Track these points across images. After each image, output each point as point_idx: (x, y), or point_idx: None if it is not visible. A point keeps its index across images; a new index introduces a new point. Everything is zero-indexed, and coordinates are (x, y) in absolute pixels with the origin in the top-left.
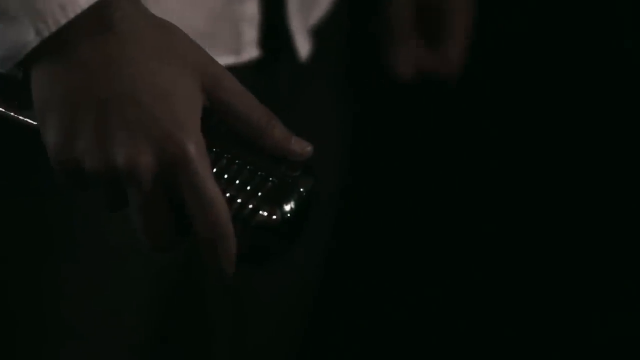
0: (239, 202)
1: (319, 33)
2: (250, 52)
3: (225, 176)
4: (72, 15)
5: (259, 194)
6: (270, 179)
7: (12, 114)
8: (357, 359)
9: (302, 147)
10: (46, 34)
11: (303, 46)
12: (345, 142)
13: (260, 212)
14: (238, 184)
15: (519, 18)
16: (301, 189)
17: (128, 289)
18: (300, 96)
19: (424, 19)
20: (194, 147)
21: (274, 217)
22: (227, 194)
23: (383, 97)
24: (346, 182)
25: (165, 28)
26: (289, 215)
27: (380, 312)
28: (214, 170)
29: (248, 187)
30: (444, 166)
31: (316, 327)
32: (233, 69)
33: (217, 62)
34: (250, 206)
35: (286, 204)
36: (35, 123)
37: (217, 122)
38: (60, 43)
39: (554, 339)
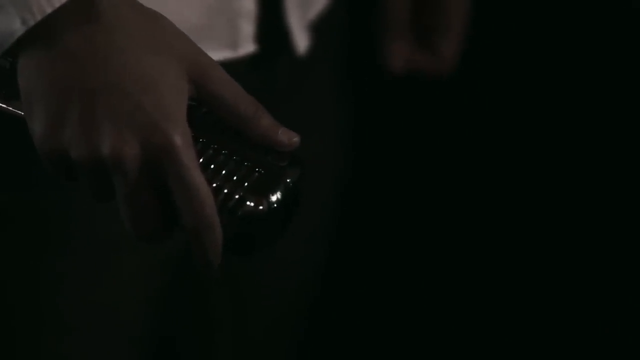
0: (225, 193)
1: (317, 28)
2: (247, 47)
3: (212, 166)
4: (57, 4)
5: (246, 184)
6: (257, 169)
7: None
8: (356, 356)
9: (289, 137)
10: (32, 23)
11: (301, 41)
12: (343, 138)
13: (247, 202)
14: (224, 174)
15: (517, 14)
16: (288, 180)
17: (126, 283)
18: (298, 91)
19: (420, 16)
20: (180, 137)
21: (261, 207)
22: (214, 184)
23: (382, 92)
24: (345, 177)
25: (153, 17)
26: (275, 205)
27: (380, 309)
28: (200, 160)
29: (234, 178)
30: (444, 162)
31: (316, 323)
32: (230, 63)
33: (204, 52)
34: (237, 196)
35: (273, 194)
36: (22, 113)
37: (204, 113)
38: (47, 32)
39: (554, 339)
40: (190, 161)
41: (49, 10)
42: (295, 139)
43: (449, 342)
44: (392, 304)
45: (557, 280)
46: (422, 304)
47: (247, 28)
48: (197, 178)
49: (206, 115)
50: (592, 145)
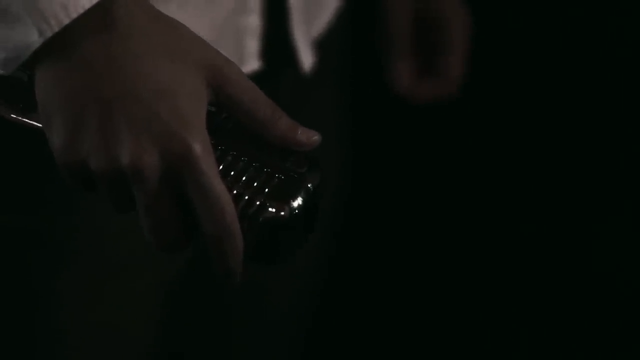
0: (246, 199)
1: (321, 44)
2: (253, 64)
3: (232, 173)
4: (74, 15)
5: (266, 190)
6: (277, 175)
7: (18, 117)
8: (357, 356)
9: (308, 137)
10: (49, 34)
11: (306, 58)
12: (347, 153)
13: (268, 208)
14: (244, 181)
15: (514, 21)
16: (309, 185)
17: (129, 303)
18: (303, 108)
19: (423, 35)
20: (199, 146)
21: (282, 213)
22: (234, 192)
23: (385, 108)
24: (348, 192)
25: (169, 24)
26: (297, 211)
27: (380, 310)
28: (220, 168)
29: (255, 184)
30: (445, 175)
31: (319, 329)
32: (232, 120)
33: (222, 55)
34: (258, 203)
35: (294, 200)
36: (40, 125)
37: (223, 119)
38: (64, 43)
39: (553, 340)
40: (210, 169)
41: (66, 21)
42: (315, 137)
43: (449, 343)
44: (393, 306)
45: (557, 281)
46: (423, 306)
47: (253, 45)
48: (217, 186)
49: (225, 122)
50: (592, 152)
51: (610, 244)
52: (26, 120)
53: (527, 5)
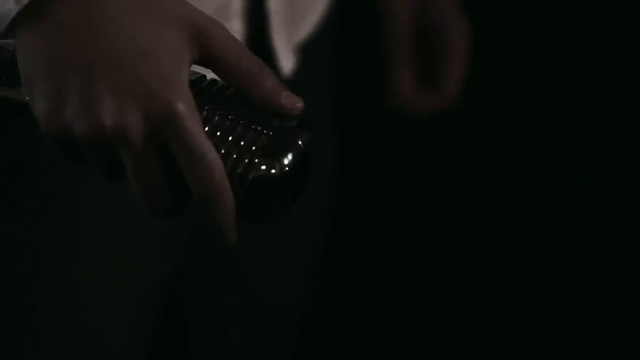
0: (234, 158)
1: (304, 51)
2: None
3: (219, 133)
4: None
5: (254, 148)
6: (266, 132)
7: (3, 93)
8: (354, 354)
9: (292, 102)
10: (25, 0)
11: (286, 62)
12: (332, 158)
13: (257, 166)
14: (232, 139)
15: (513, 30)
16: (299, 142)
17: (114, 307)
18: None
19: (423, 46)
20: (182, 104)
21: (272, 170)
22: (222, 151)
23: (370, 114)
24: (334, 195)
25: None
26: (287, 168)
27: (375, 311)
28: (207, 128)
29: (242, 142)
30: (433, 173)
31: (313, 328)
32: (218, 83)
33: (203, 13)
34: (246, 161)
35: (284, 157)
36: (26, 98)
37: (209, 82)
38: (41, 9)
39: (553, 340)
40: (194, 126)
41: None
42: (299, 104)
43: (444, 343)
44: (387, 304)
45: (557, 282)
46: (417, 302)
47: None
48: (203, 143)
49: (210, 85)
50: (592, 154)
51: (610, 244)
52: (12, 96)
53: (526, 14)
